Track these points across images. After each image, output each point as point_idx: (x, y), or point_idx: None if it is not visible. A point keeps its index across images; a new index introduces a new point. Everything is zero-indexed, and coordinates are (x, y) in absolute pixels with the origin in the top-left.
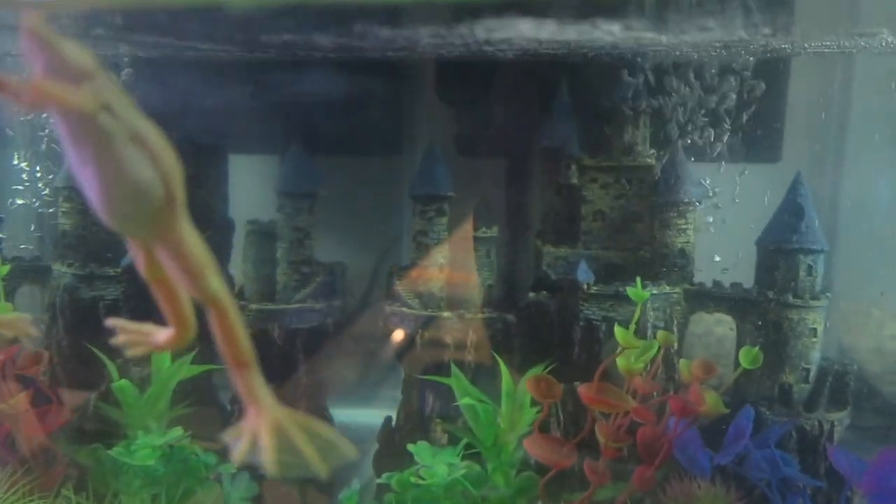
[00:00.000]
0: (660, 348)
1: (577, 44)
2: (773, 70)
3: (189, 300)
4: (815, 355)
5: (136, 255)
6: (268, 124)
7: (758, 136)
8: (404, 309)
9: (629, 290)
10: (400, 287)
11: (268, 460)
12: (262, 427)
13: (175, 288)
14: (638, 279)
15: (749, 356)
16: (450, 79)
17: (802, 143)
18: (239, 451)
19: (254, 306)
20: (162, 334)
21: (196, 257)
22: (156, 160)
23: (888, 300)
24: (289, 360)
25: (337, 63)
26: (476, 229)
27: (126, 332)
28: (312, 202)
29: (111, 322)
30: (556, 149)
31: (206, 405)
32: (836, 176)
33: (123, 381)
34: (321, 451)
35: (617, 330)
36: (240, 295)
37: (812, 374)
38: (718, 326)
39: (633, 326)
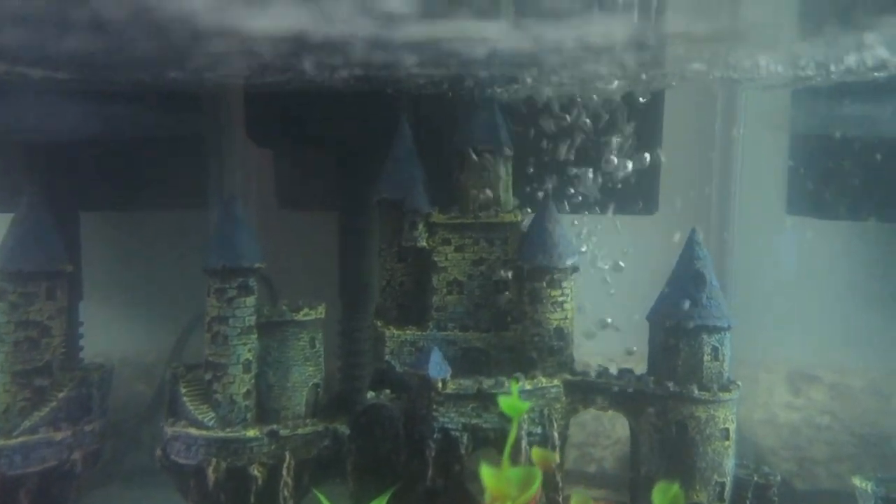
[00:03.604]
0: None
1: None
2: (647, 107)
3: None
4: (730, 464)
5: None
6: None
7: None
8: (192, 430)
9: (502, 402)
10: (187, 397)
11: None
12: None
13: None
14: (513, 383)
15: (667, 498)
16: (263, 114)
17: (681, 192)
18: None
19: None
20: None
21: None
22: None
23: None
24: None
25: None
26: (296, 311)
27: None
28: (55, 283)
29: None
30: (397, 202)
31: None
32: (720, 227)
33: None
34: None
35: (485, 474)
36: None
37: (727, 488)
38: None
39: (505, 458)
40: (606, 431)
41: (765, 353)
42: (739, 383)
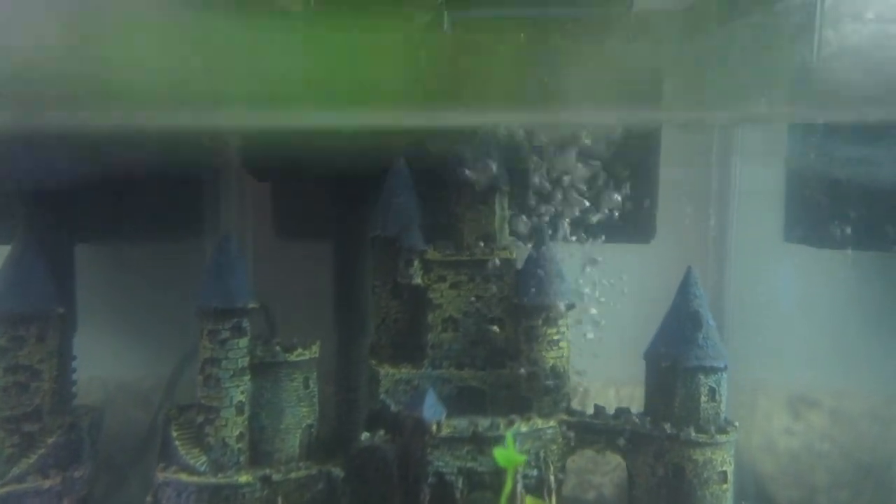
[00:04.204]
0: None
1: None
2: (643, 141)
3: None
4: None
5: None
6: None
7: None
8: (182, 476)
9: (498, 455)
10: (179, 441)
11: None
12: None
13: None
14: (509, 435)
15: None
16: (262, 148)
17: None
18: None
19: None
20: None
21: None
22: None
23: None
24: None
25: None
26: (290, 351)
27: None
28: (45, 325)
29: None
30: (391, 239)
31: None
32: (717, 254)
33: None
34: None
35: None
36: None
37: None
38: None
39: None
40: (605, 457)
41: (764, 378)
42: (737, 424)
